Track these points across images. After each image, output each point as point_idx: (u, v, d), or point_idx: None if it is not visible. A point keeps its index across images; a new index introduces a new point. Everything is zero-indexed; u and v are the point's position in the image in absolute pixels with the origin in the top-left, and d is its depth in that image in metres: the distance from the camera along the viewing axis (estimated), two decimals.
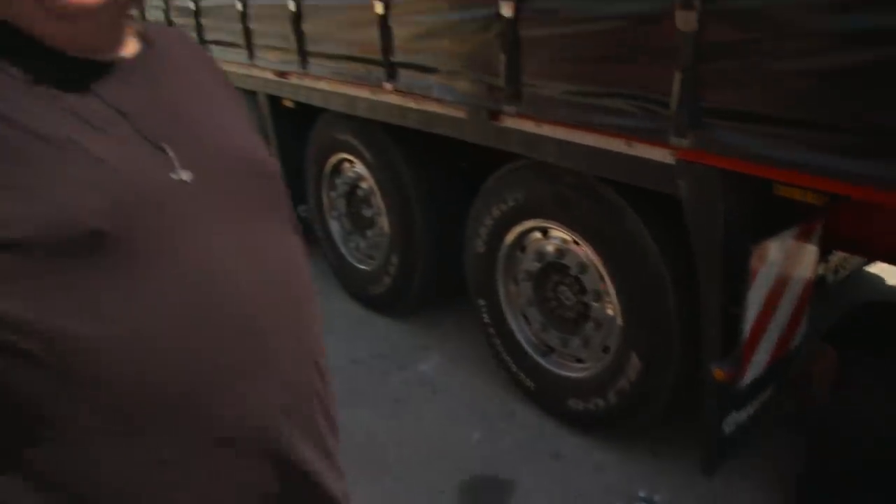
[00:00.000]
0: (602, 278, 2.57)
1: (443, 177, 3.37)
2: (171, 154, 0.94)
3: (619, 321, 2.54)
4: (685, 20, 1.80)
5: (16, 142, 0.83)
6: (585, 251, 2.61)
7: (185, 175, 0.94)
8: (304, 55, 3.53)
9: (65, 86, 0.90)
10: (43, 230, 0.81)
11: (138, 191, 0.89)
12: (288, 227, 1.11)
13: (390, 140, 3.35)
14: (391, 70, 2.94)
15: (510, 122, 2.52)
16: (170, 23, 5.10)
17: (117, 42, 0.98)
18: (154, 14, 5.12)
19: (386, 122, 3.18)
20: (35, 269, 0.81)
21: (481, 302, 3.16)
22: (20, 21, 0.89)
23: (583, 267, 2.66)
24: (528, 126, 2.45)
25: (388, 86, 2.97)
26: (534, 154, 2.50)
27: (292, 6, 3.47)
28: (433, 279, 3.53)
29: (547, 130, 2.40)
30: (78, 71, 0.92)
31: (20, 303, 0.81)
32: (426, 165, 3.35)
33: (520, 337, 3.05)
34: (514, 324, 3.06)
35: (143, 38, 1.03)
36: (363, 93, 3.22)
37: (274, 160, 1.12)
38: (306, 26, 3.47)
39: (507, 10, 2.31)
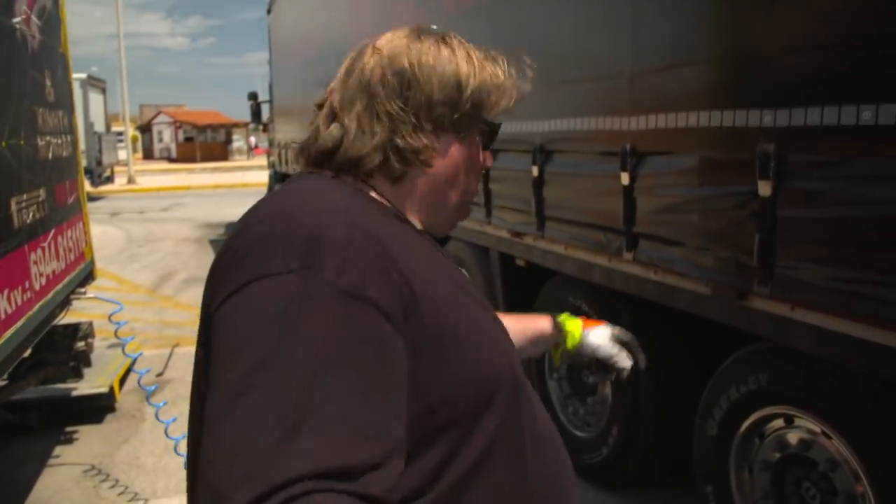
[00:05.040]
0: (858, 479, 2.32)
1: (676, 351, 3.28)
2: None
3: None
4: None
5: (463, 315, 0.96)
6: (837, 446, 2.39)
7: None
8: (541, 218, 3.67)
9: (438, 254, 1.04)
10: (485, 377, 0.91)
11: (511, 351, 0.99)
12: None
13: (622, 309, 3.33)
14: (632, 239, 2.97)
15: (759, 304, 2.42)
16: None
17: None
18: None
19: (620, 291, 3.18)
20: (474, 418, 0.90)
21: (708, 489, 2.94)
22: (420, 215, 1.07)
23: (833, 464, 2.42)
24: (780, 309, 2.34)
25: (627, 255, 2.99)
26: (784, 339, 2.37)
27: (535, 172, 3.66)
28: (654, 457, 3.37)
29: (801, 315, 2.28)
30: (432, 242, 1.06)
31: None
32: (659, 338, 3.27)
33: None
34: None
35: None
36: (599, 259, 3.26)
37: None
38: (547, 191, 3.63)
39: (764, 190, 2.28)
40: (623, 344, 1.45)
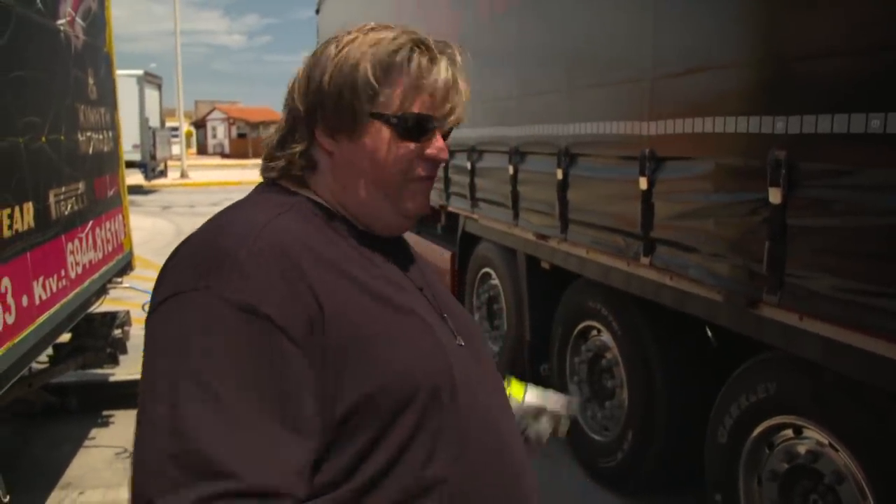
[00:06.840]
0: (864, 494, 2.30)
1: (691, 358, 3.27)
2: (451, 323, 1.08)
3: None
4: None
5: (382, 307, 0.98)
6: (844, 459, 2.36)
7: (461, 340, 1.07)
8: (565, 221, 3.68)
9: (380, 260, 1.06)
10: (396, 385, 0.93)
11: (450, 351, 1.02)
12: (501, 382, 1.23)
13: (641, 314, 3.33)
14: (649, 245, 2.97)
15: (769, 312, 2.41)
16: (447, 180, 5.58)
17: None
18: None
19: (638, 296, 3.18)
20: (385, 423, 0.92)
21: (717, 497, 2.93)
22: (357, 212, 1.06)
23: (839, 476, 2.39)
24: (790, 318, 2.33)
25: (644, 260, 2.99)
26: (793, 349, 2.36)
27: (559, 175, 3.67)
28: (667, 463, 3.36)
29: (810, 325, 2.26)
30: (380, 246, 1.07)
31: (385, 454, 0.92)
32: (675, 344, 3.27)
33: None
34: None
35: None
36: (619, 264, 3.27)
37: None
38: (571, 194, 3.64)
39: (775, 197, 2.27)
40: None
